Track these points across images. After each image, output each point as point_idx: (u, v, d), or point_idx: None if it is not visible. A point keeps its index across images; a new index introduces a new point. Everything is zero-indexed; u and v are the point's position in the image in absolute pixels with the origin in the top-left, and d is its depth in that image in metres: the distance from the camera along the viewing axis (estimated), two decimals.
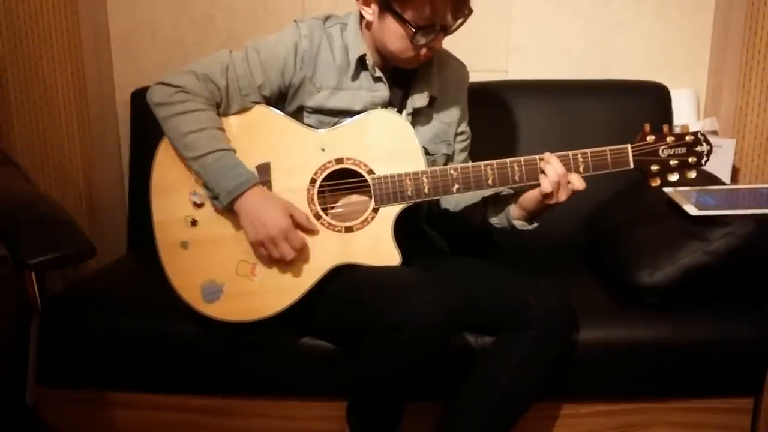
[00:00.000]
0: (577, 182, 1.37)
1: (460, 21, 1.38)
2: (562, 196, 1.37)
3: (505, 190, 1.48)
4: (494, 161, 1.40)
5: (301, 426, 1.58)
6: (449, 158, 1.58)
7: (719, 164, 1.86)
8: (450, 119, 1.56)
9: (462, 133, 1.60)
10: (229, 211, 1.38)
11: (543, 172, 1.37)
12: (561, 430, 1.56)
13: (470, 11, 1.39)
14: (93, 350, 1.57)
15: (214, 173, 1.36)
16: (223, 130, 1.41)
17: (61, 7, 1.94)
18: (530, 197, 1.41)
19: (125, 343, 1.56)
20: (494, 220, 1.52)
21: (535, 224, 1.47)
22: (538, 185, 1.38)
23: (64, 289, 1.77)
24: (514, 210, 1.46)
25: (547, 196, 1.37)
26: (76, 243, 1.52)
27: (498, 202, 1.51)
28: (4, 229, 1.48)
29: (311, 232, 1.39)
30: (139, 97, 2.04)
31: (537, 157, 1.39)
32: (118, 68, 2.19)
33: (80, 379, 1.61)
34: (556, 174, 1.36)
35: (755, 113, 1.90)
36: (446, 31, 1.39)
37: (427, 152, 1.51)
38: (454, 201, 1.58)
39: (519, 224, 1.46)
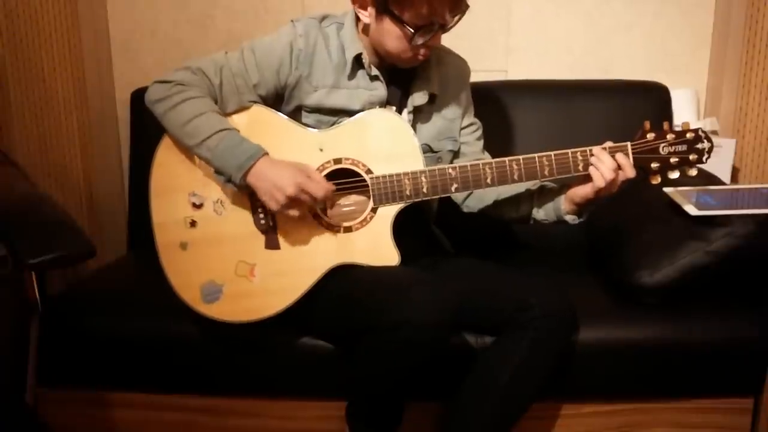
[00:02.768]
0: (629, 170, 1.37)
1: (457, 17, 1.38)
2: (614, 189, 1.38)
3: (549, 183, 1.48)
4: (492, 160, 1.41)
5: (300, 426, 1.58)
6: (455, 155, 1.58)
7: (719, 164, 1.86)
8: (453, 115, 1.56)
9: (471, 124, 1.60)
10: (244, 189, 1.37)
11: (593, 167, 1.37)
12: (561, 430, 1.55)
13: (467, 6, 1.38)
14: (93, 350, 1.57)
15: (221, 153, 1.35)
16: (222, 114, 1.41)
17: (61, 7, 1.95)
18: (582, 193, 1.41)
19: (125, 343, 1.56)
20: (540, 216, 1.50)
21: (584, 217, 1.47)
22: (574, 179, 1.39)
23: (64, 289, 1.77)
24: (565, 205, 1.45)
25: (599, 190, 1.37)
26: (76, 243, 1.52)
27: (543, 195, 1.50)
28: (4, 229, 1.48)
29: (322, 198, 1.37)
30: (139, 97, 2.04)
31: (568, 151, 1.39)
32: (118, 68, 2.19)
33: (80, 379, 1.61)
34: (610, 171, 1.35)
35: (755, 113, 1.90)
36: (444, 29, 1.38)
37: (431, 149, 1.51)
38: (494, 194, 1.54)
39: (570, 218, 1.46)
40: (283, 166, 1.35)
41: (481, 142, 1.63)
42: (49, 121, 1.98)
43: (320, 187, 1.35)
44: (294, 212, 1.36)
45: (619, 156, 1.37)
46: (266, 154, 1.36)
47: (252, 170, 1.34)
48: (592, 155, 1.38)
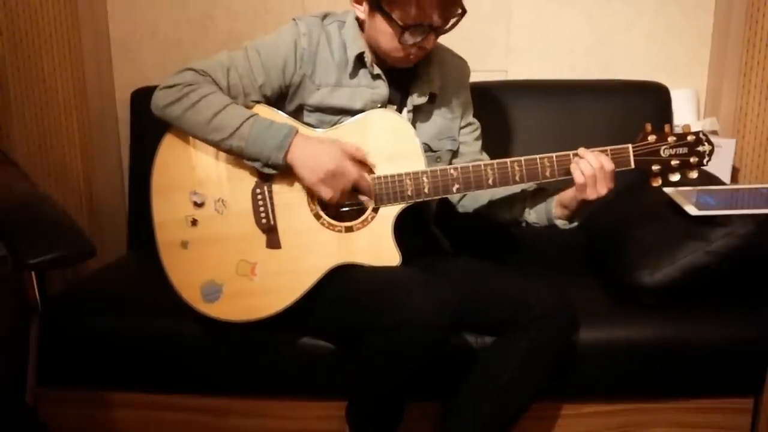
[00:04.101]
0: (607, 164, 1.35)
1: (452, 21, 1.38)
2: (602, 190, 1.36)
3: (544, 187, 1.48)
4: (494, 161, 1.41)
5: (301, 426, 1.58)
6: (454, 154, 1.58)
7: (719, 164, 1.86)
8: (452, 115, 1.56)
9: (470, 124, 1.60)
10: (285, 167, 1.37)
11: (574, 164, 1.37)
12: (561, 430, 1.56)
13: (463, 11, 1.38)
14: (93, 350, 1.57)
15: (256, 138, 1.35)
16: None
17: (61, 7, 1.94)
18: (570, 196, 1.41)
19: (125, 343, 1.56)
20: (531, 218, 1.50)
21: (576, 223, 1.47)
22: (570, 180, 1.38)
23: (64, 289, 1.77)
24: (556, 209, 1.45)
25: (582, 191, 1.37)
26: (76, 243, 1.52)
27: (536, 197, 1.50)
28: (4, 229, 1.48)
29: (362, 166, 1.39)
30: (139, 97, 2.04)
31: (570, 153, 1.39)
32: (118, 68, 2.19)
33: (80, 379, 1.61)
34: (591, 168, 1.35)
35: (755, 113, 1.90)
36: (437, 31, 1.38)
37: (430, 149, 1.51)
38: (489, 194, 1.54)
39: (561, 223, 1.46)
40: (320, 142, 1.37)
41: (480, 142, 1.63)
42: (49, 121, 1.98)
43: (354, 169, 1.36)
44: (325, 192, 1.36)
45: (599, 154, 1.36)
46: (298, 130, 1.37)
47: (291, 148, 1.35)
48: (576, 155, 1.38)
